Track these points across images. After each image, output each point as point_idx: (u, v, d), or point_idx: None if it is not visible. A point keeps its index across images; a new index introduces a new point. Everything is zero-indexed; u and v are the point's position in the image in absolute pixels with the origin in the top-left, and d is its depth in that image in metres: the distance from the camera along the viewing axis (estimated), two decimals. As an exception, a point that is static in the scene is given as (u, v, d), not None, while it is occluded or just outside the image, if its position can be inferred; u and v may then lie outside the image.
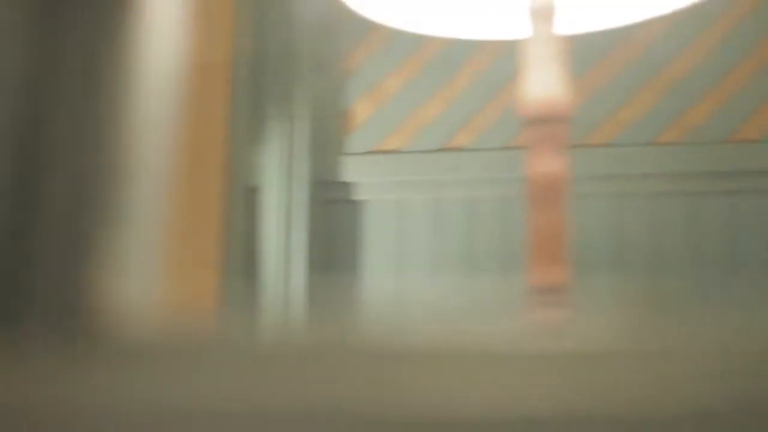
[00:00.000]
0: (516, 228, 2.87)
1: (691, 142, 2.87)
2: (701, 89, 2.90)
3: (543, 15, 1.20)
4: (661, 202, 2.86)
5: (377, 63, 3.02)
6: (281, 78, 2.94)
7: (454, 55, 2.98)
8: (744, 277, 2.80)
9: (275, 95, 2.95)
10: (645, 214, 2.86)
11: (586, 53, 2.91)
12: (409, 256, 2.95)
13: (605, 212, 2.87)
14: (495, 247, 2.92)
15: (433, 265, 2.92)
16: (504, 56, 2.94)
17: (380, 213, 2.98)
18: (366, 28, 3.01)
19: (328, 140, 3.01)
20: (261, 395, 0.57)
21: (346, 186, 2.99)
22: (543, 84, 1.20)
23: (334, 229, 2.99)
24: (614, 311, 2.68)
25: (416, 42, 3.01)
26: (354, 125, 3.03)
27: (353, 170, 2.99)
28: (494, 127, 2.92)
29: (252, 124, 2.95)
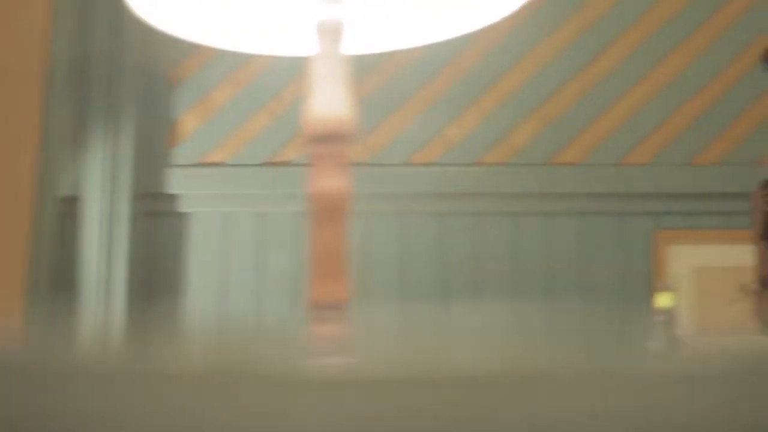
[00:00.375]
0: (340, 244, 2.86)
1: (513, 163, 2.91)
2: (526, 111, 2.95)
3: (330, 32, 1.20)
4: (484, 222, 2.90)
5: (205, 75, 2.99)
6: (105, 86, 2.89)
7: (282, 69, 2.97)
8: (560, 299, 2.86)
9: (98, 104, 2.89)
10: (468, 233, 2.90)
11: (412, 73, 2.93)
12: (233, 268, 2.92)
13: (429, 230, 2.89)
14: (319, 263, 2.91)
15: (257, 279, 2.90)
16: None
17: (205, 225, 2.95)
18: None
19: (153, 151, 2.97)
20: (71, 422, 0.56)
21: (171, 198, 2.96)
22: (327, 102, 1.20)
23: (157, 241, 2.94)
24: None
25: (244, 55, 2.99)
26: (180, 137, 2.99)
27: (179, 182, 2.95)
28: (321, 143, 2.92)
29: (71, 132, 2.89)
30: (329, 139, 1.17)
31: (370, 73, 2.92)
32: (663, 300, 1.31)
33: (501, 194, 2.90)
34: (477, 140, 2.93)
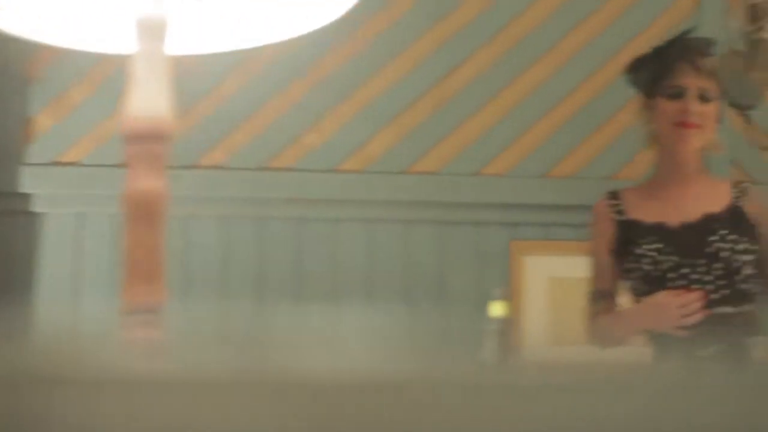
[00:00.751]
0: (196, 246, 2.83)
1: (371, 170, 2.91)
2: (384, 119, 2.94)
3: (150, 29, 1.18)
4: (341, 228, 2.88)
5: (61, 73, 2.92)
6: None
7: (140, 69, 2.92)
8: (417, 306, 2.86)
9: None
10: (325, 240, 2.88)
11: (270, 76, 2.90)
12: (87, 270, 2.86)
13: (286, 236, 2.87)
14: (173, 264, 2.87)
15: (112, 280, 2.84)
16: (193, 72, 2.90)
17: (59, 226, 2.88)
18: (52, 35, 2.90)
19: (6, 149, 2.89)
20: None
21: (24, 197, 2.88)
22: (145, 101, 1.17)
23: (9, 240, 2.87)
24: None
25: (99, 55, 2.93)
26: (35, 135, 2.92)
27: (32, 181, 2.88)
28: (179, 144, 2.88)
29: None
30: (146, 138, 1.15)
31: (227, 75, 2.88)
32: (497, 309, 1.31)
33: (358, 201, 2.89)
34: (335, 147, 2.91)
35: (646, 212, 2.09)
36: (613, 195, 2.16)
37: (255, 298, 2.84)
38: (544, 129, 3.02)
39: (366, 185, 2.89)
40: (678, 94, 2.04)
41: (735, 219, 2.08)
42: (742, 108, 2.05)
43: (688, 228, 2.05)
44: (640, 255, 2.02)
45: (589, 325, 2.12)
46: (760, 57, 1.84)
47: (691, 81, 2.04)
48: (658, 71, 2.08)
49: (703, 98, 2.04)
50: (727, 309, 2.00)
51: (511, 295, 1.26)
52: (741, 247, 2.02)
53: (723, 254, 2.00)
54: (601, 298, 2.11)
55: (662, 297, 1.98)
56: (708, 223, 2.05)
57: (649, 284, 2.01)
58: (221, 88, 2.88)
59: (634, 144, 3.02)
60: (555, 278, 2.93)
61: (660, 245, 2.02)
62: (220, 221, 2.84)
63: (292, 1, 1.42)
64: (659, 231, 2.05)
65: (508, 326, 1.30)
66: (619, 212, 2.12)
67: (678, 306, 1.96)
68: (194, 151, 2.83)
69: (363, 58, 2.95)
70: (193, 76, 2.58)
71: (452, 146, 2.97)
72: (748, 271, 2.02)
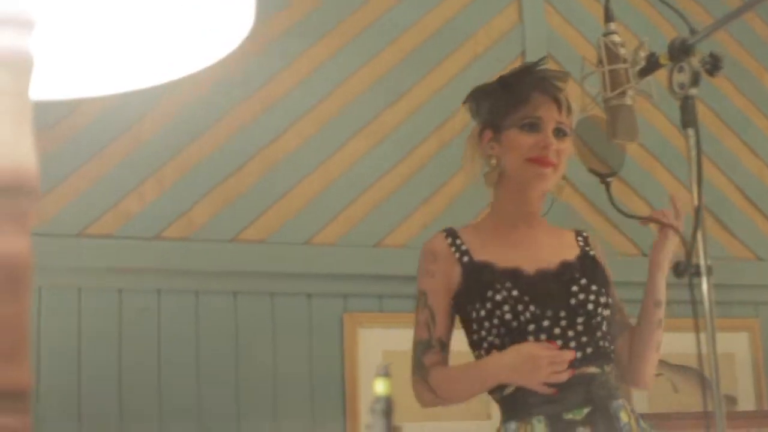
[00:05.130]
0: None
1: (195, 238, 2.72)
2: (207, 186, 2.76)
3: (15, 67, 0.99)
4: (165, 298, 2.67)
5: None
6: None
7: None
8: (250, 380, 2.69)
9: None
10: (147, 310, 2.66)
11: (87, 137, 2.68)
12: None
13: (107, 306, 2.62)
14: None
15: None
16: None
17: None
18: None
19: None
20: None
21: None
22: (8, 148, 0.98)
23: None
24: None
25: None
26: None
27: None
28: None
29: None
30: (10, 192, 0.96)
31: (42, 130, 2.65)
32: (380, 386, 1.17)
33: (182, 271, 2.69)
34: (156, 214, 2.71)
35: (495, 256, 1.85)
36: (452, 234, 1.91)
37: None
38: (374, 198, 2.92)
39: (191, 254, 2.69)
40: (534, 127, 1.85)
41: (590, 268, 1.89)
42: (603, 176, 1.95)
43: (545, 276, 1.84)
44: (500, 302, 1.79)
45: (422, 379, 1.85)
46: (620, 123, 1.79)
47: (548, 114, 1.85)
48: (509, 101, 1.87)
49: (560, 134, 1.86)
50: (591, 369, 1.80)
51: (389, 371, 1.13)
52: (603, 300, 1.84)
53: (589, 306, 1.81)
54: (437, 348, 1.86)
55: (533, 348, 1.76)
56: (567, 272, 1.86)
57: (505, 336, 1.79)
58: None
59: (461, 212, 2.96)
60: (389, 351, 2.81)
61: (516, 293, 1.79)
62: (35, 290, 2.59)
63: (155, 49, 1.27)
64: (514, 277, 1.82)
65: (391, 405, 1.17)
66: (464, 253, 1.87)
67: (550, 360, 1.74)
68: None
69: (184, 122, 2.77)
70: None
71: (280, 214, 2.82)
72: (605, 327, 1.84)
